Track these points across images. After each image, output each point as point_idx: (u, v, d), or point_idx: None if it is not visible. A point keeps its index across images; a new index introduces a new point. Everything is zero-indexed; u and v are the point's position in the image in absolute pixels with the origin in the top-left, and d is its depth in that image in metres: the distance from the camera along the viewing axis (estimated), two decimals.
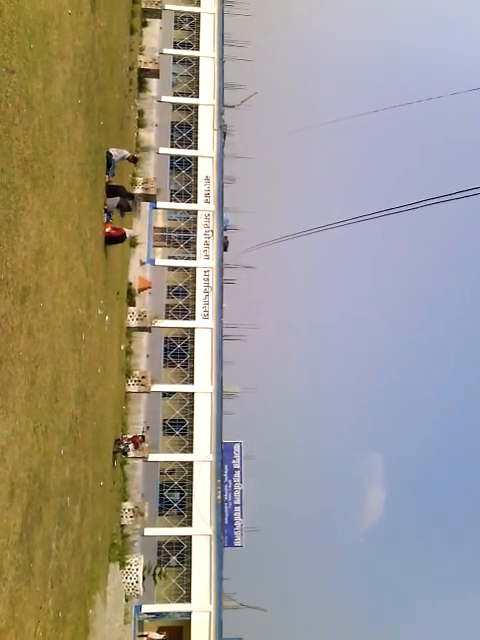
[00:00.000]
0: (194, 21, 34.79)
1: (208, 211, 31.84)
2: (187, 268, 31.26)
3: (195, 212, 31.91)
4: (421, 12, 61.19)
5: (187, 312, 30.68)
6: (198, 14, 34.74)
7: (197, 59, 34.23)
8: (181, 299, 30.94)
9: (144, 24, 30.37)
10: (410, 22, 61.78)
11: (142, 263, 29.26)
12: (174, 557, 28.02)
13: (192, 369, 29.95)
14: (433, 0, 61.55)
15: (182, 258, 31.50)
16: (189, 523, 28.32)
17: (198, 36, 34.52)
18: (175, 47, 34.38)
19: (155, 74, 29.28)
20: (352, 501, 63.76)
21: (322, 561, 57.76)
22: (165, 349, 30.47)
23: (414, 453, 65.19)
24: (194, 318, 30.48)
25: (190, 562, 27.77)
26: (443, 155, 61.60)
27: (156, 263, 30.81)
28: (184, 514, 28.56)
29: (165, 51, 33.32)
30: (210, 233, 31.48)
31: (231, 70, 34.85)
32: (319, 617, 55.42)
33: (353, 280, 66.99)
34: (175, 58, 34.30)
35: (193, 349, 30.17)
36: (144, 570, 24.53)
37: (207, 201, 32.02)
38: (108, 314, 16.75)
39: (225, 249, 31.90)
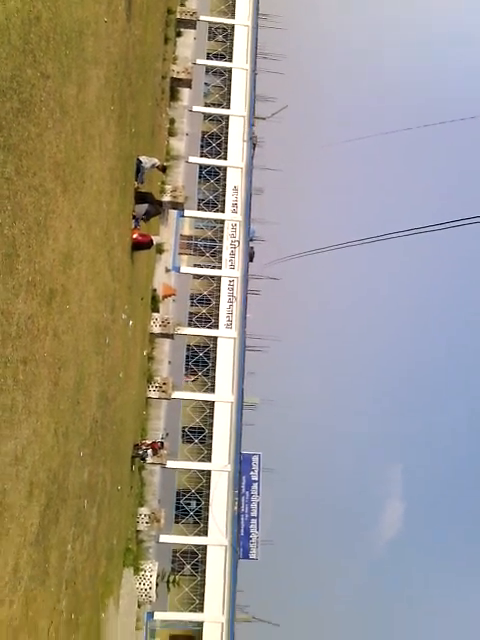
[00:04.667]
0: (228, 33, 35.08)
1: (235, 221, 31.95)
2: (212, 277, 31.36)
3: (222, 221, 32.04)
4: (461, 28, 60.93)
5: (210, 321, 30.75)
6: (232, 26, 35.04)
7: (230, 70, 34.48)
8: (205, 308, 31.03)
9: (178, 34, 30.67)
10: (448, 38, 61.55)
11: (167, 270, 29.42)
12: (188, 566, 27.95)
13: (213, 378, 29.98)
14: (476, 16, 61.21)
15: (207, 267, 31.62)
16: (205, 532, 28.25)
17: (231, 48, 34.78)
18: (208, 58, 34.69)
19: (187, 84, 29.54)
20: (370, 515, 63.02)
21: (338, 577, 57.13)
22: (187, 357, 30.55)
23: (434, 464, 64.39)
24: (217, 327, 30.53)
25: (204, 572, 27.68)
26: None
27: (181, 271, 30.96)
28: (200, 523, 28.50)
29: (198, 61, 33.62)
30: (236, 243, 31.57)
31: (263, 82, 35.06)
32: (333, 635, 54.75)
33: (376, 294, 66.63)
34: (208, 69, 34.61)
35: (215, 358, 30.21)
36: (158, 577, 24.47)
37: (234, 211, 32.14)
38: (132, 319, 16.85)
39: (251, 260, 31.95)
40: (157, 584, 24.22)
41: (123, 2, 12.36)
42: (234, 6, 35.33)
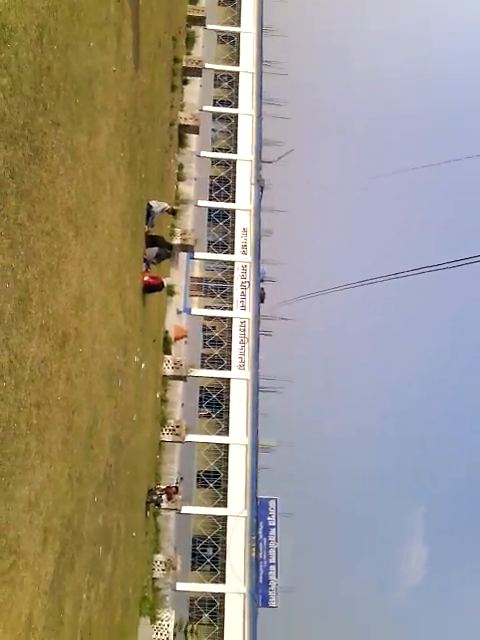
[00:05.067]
0: (233, 80, 35.94)
1: (245, 262, 32.18)
2: (223, 318, 31.42)
3: (232, 263, 32.29)
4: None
5: (223, 362, 30.68)
6: (237, 73, 35.91)
7: (236, 116, 35.20)
8: (217, 349, 31.01)
9: (185, 82, 31.43)
10: (456, 78, 62.61)
11: (179, 312, 29.54)
12: (206, 614, 27.30)
13: (227, 420, 29.75)
14: None
15: (219, 308, 31.72)
16: (222, 580, 27.66)
17: (237, 94, 35.60)
18: (214, 104, 35.50)
19: (195, 130, 30.13)
20: (392, 560, 61.59)
21: (360, 625, 55.53)
22: (200, 399, 30.41)
23: (456, 506, 63.03)
24: (230, 368, 30.45)
25: (223, 620, 27.00)
26: None
27: (192, 312, 31.06)
28: (217, 570, 27.94)
29: (205, 108, 34.40)
30: (247, 284, 31.71)
31: (269, 127, 35.77)
32: None
33: (390, 332, 66.46)
34: (214, 115, 35.37)
35: (228, 400, 30.04)
36: (175, 626, 23.88)
37: (244, 252, 32.40)
38: (144, 361, 16.84)
39: (262, 300, 32.04)
40: (175, 634, 23.65)
41: (131, 52, 12.69)
42: (238, 54, 36.28)
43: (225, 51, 36.67)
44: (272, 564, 29.00)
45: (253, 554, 27.79)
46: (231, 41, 36.88)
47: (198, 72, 31.73)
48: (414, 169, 32.76)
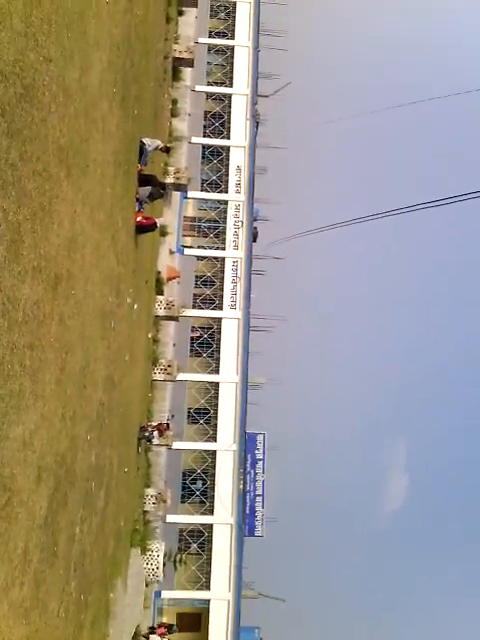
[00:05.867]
0: (230, 10, 34.64)
1: (238, 201, 31.82)
2: (216, 258, 31.29)
3: (225, 202, 31.91)
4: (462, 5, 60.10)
5: (215, 302, 30.74)
6: (234, 3, 34.60)
7: (232, 48, 34.11)
8: (209, 289, 31.01)
9: (180, 13, 30.30)
10: (449, 17, 60.67)
11: (171, 252, 29.37)
12: (195, 545, 28.26)
13: (218, 359, 30.04)
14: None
15: (211, 248, 31.54)
16: (211, 511, 28.52)
17: (233, 25, 34.38)
18: (210, 36, 34.32)
19: (190, 63, 29.23)
20: (374, 490, 63.54)
21: (342, 552, 57.74)
22: (192, 338, 30.60)
23: (438, 438, 64.70)
24: (221, 308, 30.53)
25: (210, 550, 27.99)
26: None
27: (185, 252, 30.89)
28: (206, 502, 28.76)
29: (200, 40, 33.26)
30: (240, 223, 31.45)
31: (266, 60, 34.68)
32: (337, 608, 55.48)
33: (380, 272, 66.54)
34: (210, 47, 34.23)
35: (219, 339, 30.26)
36: (165, 556, 24.78)
37: (238, 191, 31.99)
38: (137, 302, 16.86)
39: (254, 240, 31.85)
40: (164, 563, 24.55)
41: None
42: None
43: None
44: (259, 495, 29.84)
45: (241, 486, 28.60)
46: None
47: (194, 2, 30.54)
48: (413, 103, 32.03)
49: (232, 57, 34.08)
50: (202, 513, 28.62)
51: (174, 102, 29.50)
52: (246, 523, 28.93)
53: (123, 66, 12.66)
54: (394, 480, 66.62)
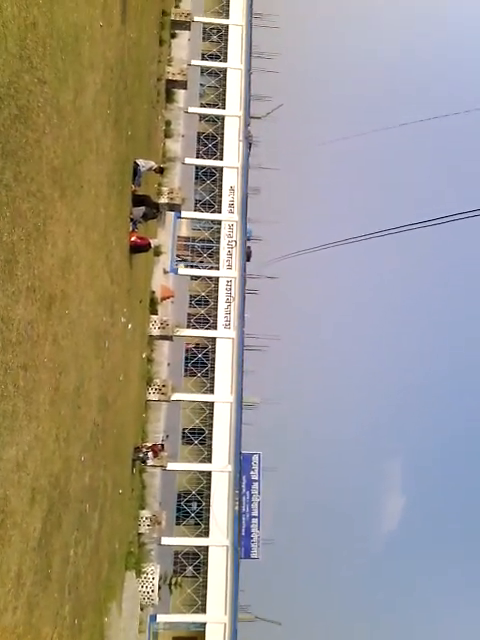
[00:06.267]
0: (222, 33, 35.04)
1: (232, 221, 31.94)
2: (210, 278, 31.34)
3: (219, 222, 32.03)
4: (453, 28, 60.99)
5: (209, 321, 30.73)
6: (226, 26, 35.00)
7: (225, 70, 34.44)
8: (203, 308, 31.01)
9: (173, 36, 30.65)
10: (442, 37, 61.52)
11: (165, 272, 29.41)
12: (190, 567, 27.94)
13: (213, 379, 29.95)
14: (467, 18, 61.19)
15: (205, 267, 31.61)
16: (206, 533, 28.23)
17: (226, 48, 34.75)
18: (203, 58, 34.66)
19: (183, 85, 29.51)
20: (370, 511, 63.15)
21: (338, 574, 57.25)
22: (186, 358, 30.53)
23: (433, 458, 64.51)
24: (216, 328, 30.52)
25: (206, 573, 27.66)
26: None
27: (179, 272, 30.93)
28: (201, 524, 28.49)
29: (193, 62, 33.60)
30: (233, 243, 31.56)
31: (258, 82, 35.03)
32: (334, 631, 54.83)
33: (375, 291, 66.74)
34: (203, 69, 34.57)
35: (214, 359, 30.20)
36: (160, 579, 24.49)
37: (231, 211, 32.13)
38: (131, 322, 16.85)
39: (248, 259, 31.95)
40: (159, 586, 24.26)
41: (118, 5, 12.35)
42: (228, 6, 35.32)
43: (214, 3, 35.64)
44: (254, 517, 29.57)
45: (236, 508, 28.35)
46: None
47: (187, 25, 30.90)
48: (403, 125, 32.34)
49: (225, 79, 34.40)
50: (197, 535, 28.33)
51: (167, 123, 29.74)
52: (242, 545, 28.63)
53: (117, 88, 12.78)
54: (390, 502, 66.35)
